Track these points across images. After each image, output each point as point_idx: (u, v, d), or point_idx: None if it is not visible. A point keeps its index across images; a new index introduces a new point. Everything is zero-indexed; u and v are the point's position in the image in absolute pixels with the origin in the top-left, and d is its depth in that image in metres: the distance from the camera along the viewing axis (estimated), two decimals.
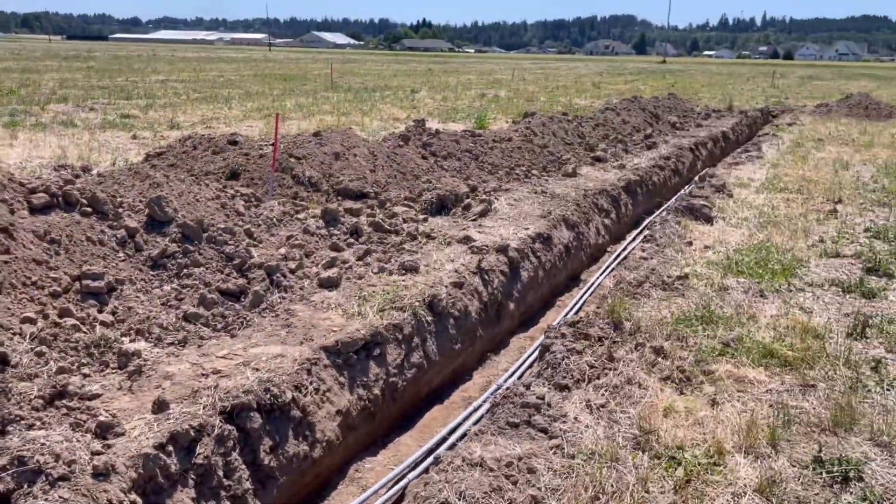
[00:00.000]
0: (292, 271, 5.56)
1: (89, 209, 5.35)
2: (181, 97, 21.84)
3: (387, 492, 4.16)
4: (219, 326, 4.74)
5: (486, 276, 6.28)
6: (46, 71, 32.03)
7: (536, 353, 5.54)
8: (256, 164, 7.95)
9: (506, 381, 5.29)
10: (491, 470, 3.42)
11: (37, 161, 10.07)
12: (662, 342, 4.84)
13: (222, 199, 6.49)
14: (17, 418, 3.34)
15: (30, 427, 3.32)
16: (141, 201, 5.76)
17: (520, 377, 5.32)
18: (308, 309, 5.01)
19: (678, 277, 6.23)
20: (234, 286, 5.18)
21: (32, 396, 3.49)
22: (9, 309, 4.21)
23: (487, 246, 6.67)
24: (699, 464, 3.54)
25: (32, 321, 4.18)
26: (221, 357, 4.27)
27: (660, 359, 4.63)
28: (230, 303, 5.03)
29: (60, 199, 5.29)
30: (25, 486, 2.99)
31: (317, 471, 4.22)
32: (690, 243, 7.52)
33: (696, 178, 12.32)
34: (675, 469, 3.49)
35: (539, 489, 3.31)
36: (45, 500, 2.91)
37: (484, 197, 8.38)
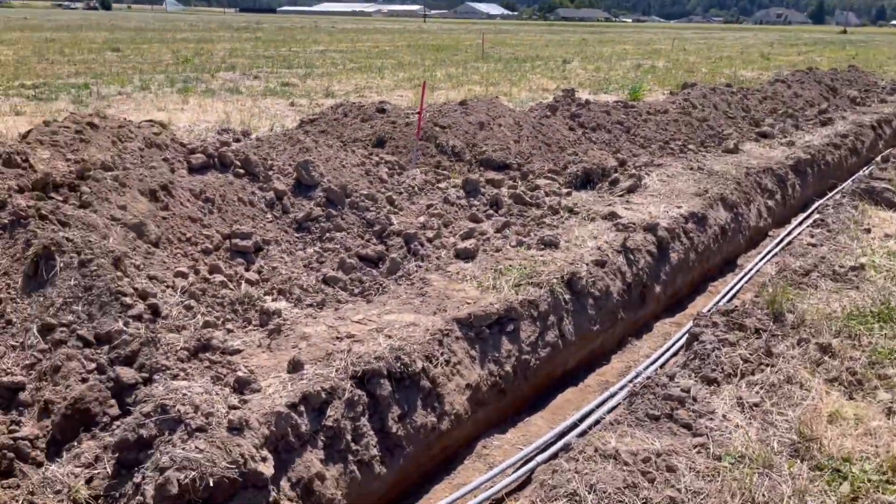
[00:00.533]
0: (430, 240, 5.50)
1: (242, 171, 5.56)
2: (338, 67, 22.59)
3: (514, 472, 4.02)
4: (356, 291, 4.77)
5: (632, 256, 5.93)
6: (219, 41, 34.27)
7: (683, 341, 5.17)
8: (402, 133, 7.98)
9: (646, 368, 4.97)
10: (626, 464, 3.18)
11: (203, 125, 10.72)
12: (830, 339, 4.33)
13: (367, 165, 6.55)
14: (164, 368, 3.50)
15: (174, 377, 3.47)
16: (290, 165, 5.91)
17: (662, 366, 4.98)
18: (443, 279, 4.94)
19: (852, 268, 5.57)
20: (373, 252, 5.20)
21: (178, 348, 3.64)
22: (164, 263, 4.44)
23: (634, 223, 6.29)
24: (869, 480, 3.11)
25: (184, 275, 4.39)
26: (356, 322, 4.29)
27: (826, 357, 4.14)
28: (368, 268, 5.06)
29: (216, 160, 5.53)
30: (166, 433, 3.11)
31: (444, 443, 4.15)
32: (868, 230, 6.73)
33: (878, 158, 11.07)
34: (840, 484, 3.08)
35: (678, 490, 3.03)
36: (183, 448, 3.02)
37: (633, 172, 7.95)
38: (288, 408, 3.41)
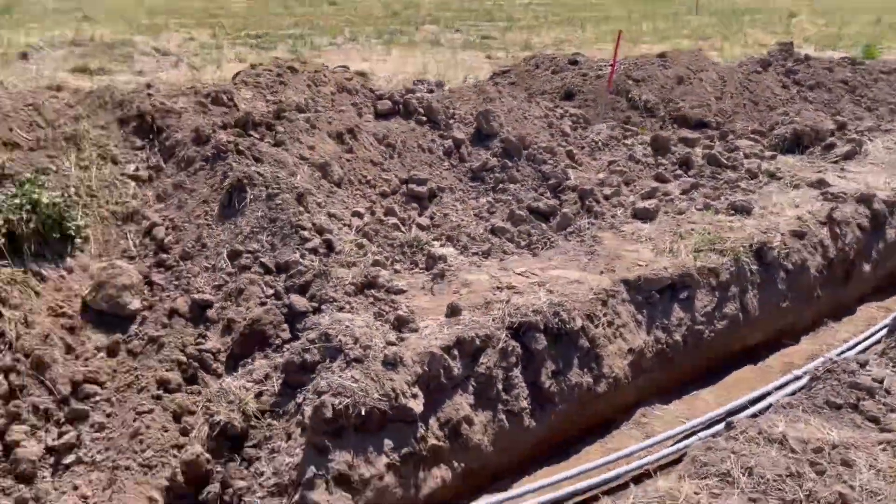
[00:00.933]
0: (606, 198, 5.29)
1: (424, 118, 5.66)
2: (539, 20, 22.21)
3: (672, 445, 3.82)
4: (522, 243, 4.72)
5: (838, 229, 5.31)
6: None
7: (887, 328, 4.56)
8: (592, 85, 7.68)
9: (840, 354, 4.46)
10: (792, 451, 2.88)
11: (401, 76, 11.04)
12: None
13: (550, 118, 6.40)
14: (332, 299, 3.70)
15: (340, 309, 3.66)
16: (471, 115, 5.92)
17: (860, 353, 4.44)
18: (616, 238, 4.74)
19: None
20: (545, 206, 5.10)
21: (347, 282, 3.83)
22: (344, 202, 4.66)
23: (846, 193, 5.62)
24: None
25: (360, 215, 4.58)
26: (519, 274, 4.25)
27: None
28: (537, 222, 4.97)
29: (401, 106, 5.68)
30: (327, 360, 3.30)
31: (599, 406, 4.03)
32: None
33: None
34: None
35: (851, 487, 2.70)
36: (340, 376, 3.18)
37: (854, 136, 7.08)
38: (442, 350, 3.48)
